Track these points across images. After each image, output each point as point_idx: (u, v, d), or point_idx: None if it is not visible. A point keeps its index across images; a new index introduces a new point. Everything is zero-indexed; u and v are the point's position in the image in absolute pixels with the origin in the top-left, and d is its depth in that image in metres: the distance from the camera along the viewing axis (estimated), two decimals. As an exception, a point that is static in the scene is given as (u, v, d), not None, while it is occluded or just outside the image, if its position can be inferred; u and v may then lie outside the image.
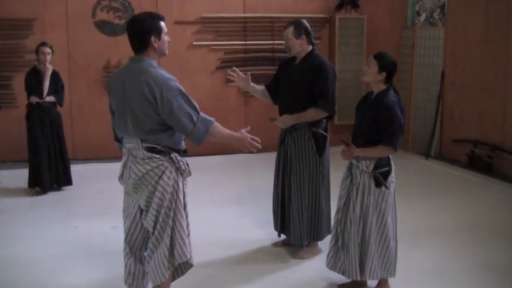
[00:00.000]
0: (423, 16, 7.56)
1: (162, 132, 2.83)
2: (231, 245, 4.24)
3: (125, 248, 3.03)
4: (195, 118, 2.80)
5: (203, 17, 7.35)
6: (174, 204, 2.87)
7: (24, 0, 6.86)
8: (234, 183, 6.01)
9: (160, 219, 2.85)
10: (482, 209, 5.18)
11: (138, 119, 2.80)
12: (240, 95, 7.60)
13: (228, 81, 4.40)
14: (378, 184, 3.27)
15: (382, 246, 3.32)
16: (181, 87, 2.81)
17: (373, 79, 3.30)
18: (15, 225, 4.74)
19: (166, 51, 2.93)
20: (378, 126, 3.23)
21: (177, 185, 2.89)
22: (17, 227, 4.70)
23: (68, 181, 5.82)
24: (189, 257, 2.95)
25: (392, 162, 3.35)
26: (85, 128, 7.23)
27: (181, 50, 7.27)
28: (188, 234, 2.98)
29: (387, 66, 3.26)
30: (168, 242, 2.86)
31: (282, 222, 4.08)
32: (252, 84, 4.06)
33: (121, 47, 6.72)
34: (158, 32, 2.85)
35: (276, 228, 4.17)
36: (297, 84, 3.90)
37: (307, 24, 3.93)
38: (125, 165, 2.94)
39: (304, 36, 3.88)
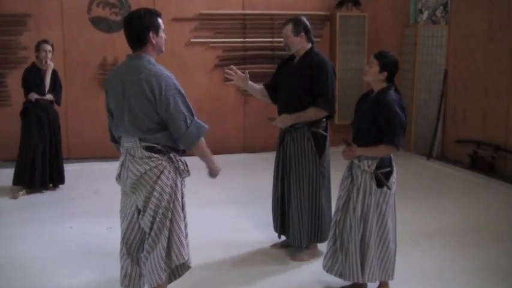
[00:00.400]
0: (426, 14, 7.47)
1: (160, 131, 2.80)
2: (230, 246, 4.22)
3: (121, 249, 3.01)
4: (189, 121, 2.80)
5: (201, 13, 7.27)
6: (172, 205, 2.86)
7: (19, -4, 6.76)
8: (233, 183, 5.96)
9: (157, 219, 2.83)
10: (484, 211, 5.15)
11: (137, 118, 2.78)
12: (238, 94, 7.50)
13: (227, 79, 4.33)
14: (380, 184, 3.23)
15: (381, 248, 3.28)
16: (180, 87, 2.81)
17: (374, 79, 3.28)
18: (11, 226, 4.66)
19: (163, 48, 2.92)
20: (378, 125, 3.20)
21: (176, 185, 2.88)
22: (15, 228, 4.62)
23: (61, 180, 5.77)
24: (186, 258, 2.95)
25: (394, 164, 3.32)
26: (80, 126, 7.12)
27: (179, 48, 7.18)
28: (186, 236, 2.96)
29: (388, 66, 3.24)
30: (165, 243, 2.84)
31: (282, 223, 4.05)
32: (251, 83, 4.03)
33: (117, 44, 6.65)
34: (156, 28, 2.84)
35: (275, 229, 4.13)
36: (296, 82, 3.85)
37: (307, 22, 3.90)
38: (122, 165, 2.91)
39: (303, 34, 3.84)
